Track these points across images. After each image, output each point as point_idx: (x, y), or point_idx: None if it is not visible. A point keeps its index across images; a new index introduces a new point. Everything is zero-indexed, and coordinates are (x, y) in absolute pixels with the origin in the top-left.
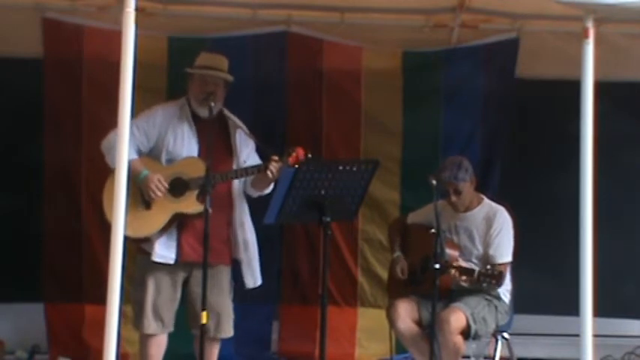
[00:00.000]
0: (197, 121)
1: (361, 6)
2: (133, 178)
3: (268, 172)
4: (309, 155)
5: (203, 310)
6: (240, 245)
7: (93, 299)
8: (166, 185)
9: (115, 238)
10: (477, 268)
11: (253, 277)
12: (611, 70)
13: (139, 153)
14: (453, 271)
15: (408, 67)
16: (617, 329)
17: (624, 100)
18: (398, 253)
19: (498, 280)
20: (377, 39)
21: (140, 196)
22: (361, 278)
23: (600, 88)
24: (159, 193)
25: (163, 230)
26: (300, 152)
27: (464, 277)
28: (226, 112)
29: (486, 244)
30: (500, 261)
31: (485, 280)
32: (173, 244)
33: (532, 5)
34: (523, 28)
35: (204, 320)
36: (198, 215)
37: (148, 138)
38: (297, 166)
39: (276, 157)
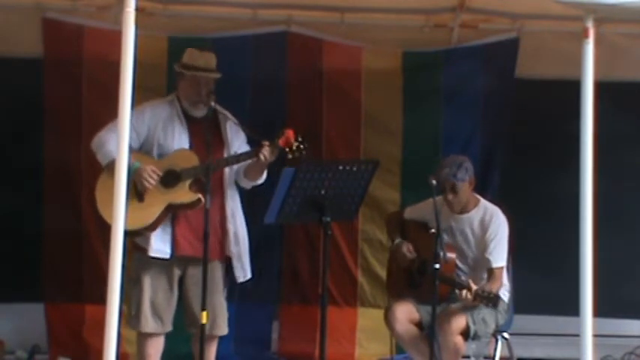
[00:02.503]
0: (187, 117)
1: (361, 6)
2: None
3: (260, 156)
4: (300, 138)
5: (203, 309)
6: (231, 238)
7: (93, 299)
8: (159, 173)
9: (115, 237)
10: (474, 287)
11: (243, 271)
12: (611, 70)
13: (130, 149)
14: (465, 290)
15: (408, 67)
16: (617, 329)
17: (624, 100)
18: (399, 240)
19: (495, 303)
20: (377, 39)
21: (133, 189)
22: (361, 278)
23: (600, 88)
24: (152, 182)
25: (157, 222)
26: (289, 134)
27: (468, 297)
28: (215, 105)
29: (482, 248)
30: (495, 265)
31: (482, 301)
32: (168, 238)
33: (532, 5)
34: (523, 28)
35: (204, 320)
36: (193, 205)
37: (138, 133)
38: (288, 148)
39: (266, 142)
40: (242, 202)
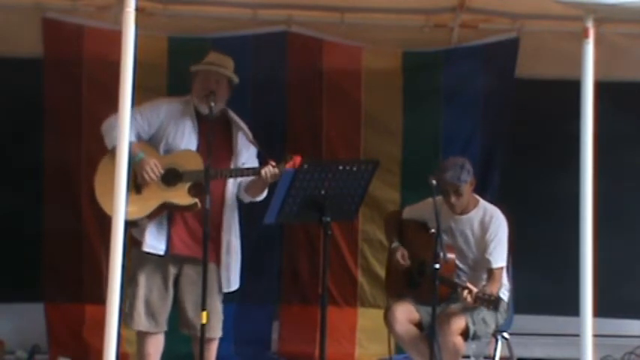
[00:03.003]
0: (200, 119)
1: (361, 6)
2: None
3: (262, 173)
4: (306, 166)
5: (203, 309)
6: (223, 247)
7: (93, 299)
8: (161, 170)
9: (115, 236)
10: (475, 289)
11: (229, 281)
12: (611, 70)
13: (139, 139)
14: (465, 292)
15: (408, 67)
16: (617, 329)
17: (624, 100)
18: (396, 244)
19: (496, 306)
20: (377, 39)
21: (133, 180)
22: (361, 278)
23: (600, 88)
24: (153, 177)
25: (151, 216)
26: (297, 160)
27: (469, 300)
28: (231, 113)
29: (482, 249)
30: (495, 266)
31: (483, 303)
32: (163, 236)
33: (532, 5)
34: (523, 28)
35: (204, 320)
36: (188, 208)
37: (150, 125)
38: None
39: (273, 163)
40: (242, 207)
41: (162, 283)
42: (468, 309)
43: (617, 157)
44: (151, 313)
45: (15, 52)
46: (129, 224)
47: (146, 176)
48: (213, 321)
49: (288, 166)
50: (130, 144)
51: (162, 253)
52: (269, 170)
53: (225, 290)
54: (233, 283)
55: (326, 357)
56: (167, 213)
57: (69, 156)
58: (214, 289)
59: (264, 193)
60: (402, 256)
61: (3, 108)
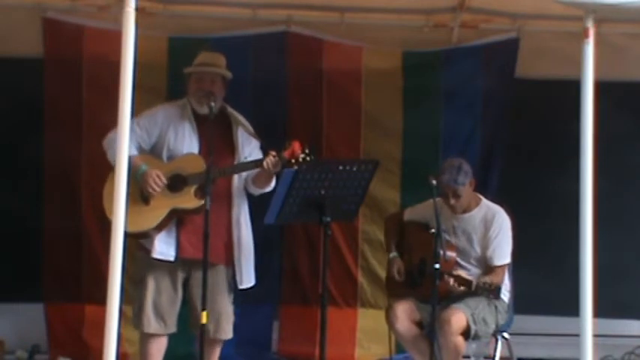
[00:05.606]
0: (198, 120)
1: (361, 6)
2: (132, 173)
3: (264, 165)
4: (307, 150)
5: (203, 309)
6: (235, 244)
7: (93, 299)
8: (164, 180)
9: (115, 237)
10: (474, 281)
11: (243, 278)
12: (611, 70)
13: (140, 150)
14: (451, 280)
15: (408, 67)
16: (617, 329)
17: (624, 100)
18: (394, 254)
19: (496, 294)
20: (377, 39)
21: (139, 192)
22: (361, 279)
23: (600, 88)
24: (157, 188)
25: (161, 225)
26: (296, 146)
27: (462, 288)
28: (229, 109)
29: (485, 246)
30: (498, 263)
31: (483, 293)
32: (172, 241)
33: (532, 5)
34: (523, 28)
35: (204, 320)
36: (197, 211)
37: (149, 134)
38: (293, 160)
39: (273, 152)
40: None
41: (171, 286)
42: (468, 308)
43: (617, 157)
44: (160, 316)
45: (15, 52)
46: (139, 236)
47: (150, 189)
48: (224, 323)
49: (287, 153)
50: (130, 158)
51: (172, 259)
52: (270, 160)
53: (243, 287)
54: (246, 279)
55: (326, 357)
56: (176, 218)
57: (69, 156)
58: (224, 290)
59: (272, 183)
60: (397, 271)
61: (3, 108)
